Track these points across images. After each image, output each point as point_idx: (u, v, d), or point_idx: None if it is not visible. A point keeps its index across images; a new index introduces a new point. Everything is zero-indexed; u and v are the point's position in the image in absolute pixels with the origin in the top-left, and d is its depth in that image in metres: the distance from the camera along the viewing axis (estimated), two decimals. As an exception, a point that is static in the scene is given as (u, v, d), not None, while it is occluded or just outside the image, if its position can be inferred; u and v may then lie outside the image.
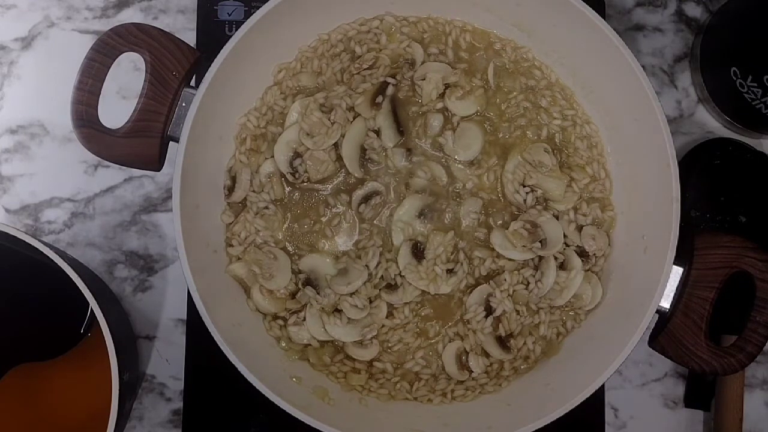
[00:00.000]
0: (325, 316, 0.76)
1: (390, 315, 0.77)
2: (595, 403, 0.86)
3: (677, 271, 0.71)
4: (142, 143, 0.72)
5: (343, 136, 0.77)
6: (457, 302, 0.77)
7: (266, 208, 0.77)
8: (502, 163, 0.78)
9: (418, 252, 0.77)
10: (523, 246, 0.76)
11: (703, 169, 0.89)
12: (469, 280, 0.77)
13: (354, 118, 0.77)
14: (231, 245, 0.77)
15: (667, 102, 0.93)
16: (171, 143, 0.74)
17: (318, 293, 0.76)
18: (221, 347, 0.69)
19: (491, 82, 0.79)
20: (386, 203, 0.78)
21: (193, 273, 0.70)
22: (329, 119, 0.77)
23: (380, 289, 0.76)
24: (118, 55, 0.72)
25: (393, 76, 0.78)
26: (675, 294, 0.71)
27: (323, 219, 0.78)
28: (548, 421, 0.70)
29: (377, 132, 0.77)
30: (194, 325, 0.85)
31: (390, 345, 0.77)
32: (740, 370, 0.70)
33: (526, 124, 0.79)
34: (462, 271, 0.76)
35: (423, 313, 0.78)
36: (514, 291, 0.76)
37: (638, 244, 0.75)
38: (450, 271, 0.76)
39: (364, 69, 0.78)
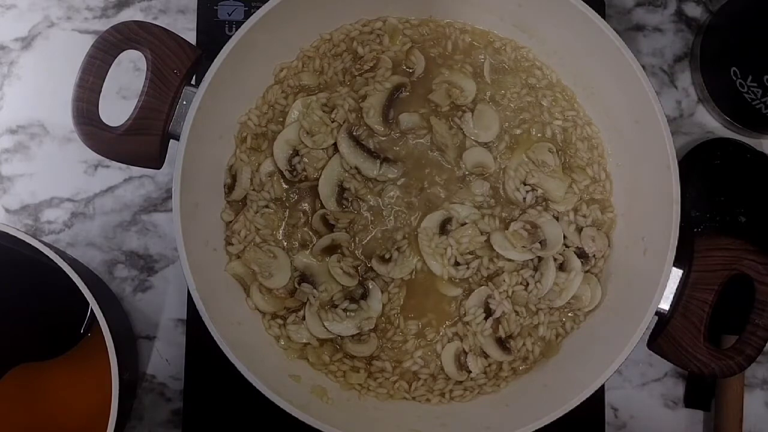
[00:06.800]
0: (323, 312, 0.76)
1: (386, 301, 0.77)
2: (595, 403, 0.86)
3: (677, 273, 0.71)
4: (143, 141, 0.72)
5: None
6: (457, 303, 0.77)
7: (266, 206, 0.77)
8: (509, 155, 0.78)
9: (444, 227, 0.77)
10: (523, 247, 0.76)
11: (703, 169, 0.89)
12: (471, 283, 0.77)
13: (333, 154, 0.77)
14: (231, 243, 0.77)
15: (667, 102, 0.92)
16: (171, 141, 0.74)
17: (315, 288, 0.76)
18: (220, 345, 0.69)
19: (487, 77, 0.79)
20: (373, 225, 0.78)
21: (193, 271, 0.70)
22: (330, 118, 0.77)
23: (371, 259, 0.76)
24: (120, 53, 0.71)
25: (403, 85, 0.78)
26: (674, 296, 0.71)
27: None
28: (547, 422, 0.70)
29: (358, 169, 0.77)
30: (194, 325, 0.85)
31: (387, 336, 0.77)
32: (739, 372, 0.70)
33: (530, 119, 0.79)
34: (467, 271, 0.76)
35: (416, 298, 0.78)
36: (513, 292, 0.76)
37: (638, 246, 0.75)
38: (457, 264, 0.77)
39: (366, 71, 0.78)
